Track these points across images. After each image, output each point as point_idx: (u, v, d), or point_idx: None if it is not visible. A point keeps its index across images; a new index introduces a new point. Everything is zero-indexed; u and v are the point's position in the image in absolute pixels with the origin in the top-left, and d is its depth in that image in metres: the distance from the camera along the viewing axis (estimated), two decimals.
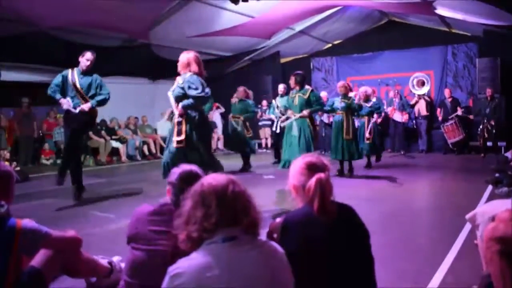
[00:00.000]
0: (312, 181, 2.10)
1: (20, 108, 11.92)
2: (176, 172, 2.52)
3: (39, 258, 2.51)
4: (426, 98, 12.77)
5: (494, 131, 11.28)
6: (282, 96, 9.87)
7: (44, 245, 2.48)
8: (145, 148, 13.04)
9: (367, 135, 9.54)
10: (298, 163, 2.22)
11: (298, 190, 2.19)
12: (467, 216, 3.09)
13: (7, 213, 2.38)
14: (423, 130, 12.74)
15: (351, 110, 8.54)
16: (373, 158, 9.96)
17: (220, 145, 15.18)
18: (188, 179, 2.35)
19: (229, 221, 1.74)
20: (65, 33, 10.01)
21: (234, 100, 10.11)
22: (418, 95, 12.69)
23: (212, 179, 1.81)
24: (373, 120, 9.79)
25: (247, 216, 1.77)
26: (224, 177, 1.83)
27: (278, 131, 8.89)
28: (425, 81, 12.65)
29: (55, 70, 12.17)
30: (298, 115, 7.15)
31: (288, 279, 1.80)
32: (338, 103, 8.58)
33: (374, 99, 10.21)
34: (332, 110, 8.72)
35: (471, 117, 12.10)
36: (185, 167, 2.54)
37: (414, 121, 12.98)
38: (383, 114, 11.46)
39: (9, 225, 2.32)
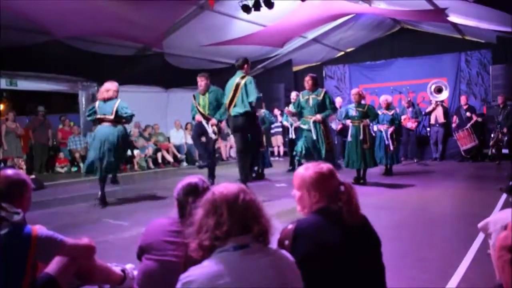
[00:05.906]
0: (343, 187, 2.15)
1: (36, 116, 12.09)
2: (179, 185, 2.55)
3: (53, 265, 2.54)
4: (444, 105, 12.63)
5: (505, 138, 11.11)
6: (294, 104, 9.84)
7: (59, 252, 2.52)
8: (159, 155, 13.10)
9: (391, 146, 9.48)
10: (308, 172, 2.22)
11: (306, 199, 2.19)
12: (480, 225, 3.05)
13: (23, 220, 2.42)
14: (440, 138, 12.42)
15: (368, 117, 8.44)
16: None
17: (233, 153, 15.19)
18: (190, 191, 2.41)
19: (240, 229, 1.76)
20: (80, 42, 10.16)
21: None
22: (436, 101, 12.49)
23: (223, 188, 1.84)
24: (391, 129, 9.66)
25: (258, 224, 1.79)
26: (235, 186, 1.86)
27: (293, 137, 8.85)
28: (443, 87, 12.46)
29: (71, 80, 12.44)
30: (312, 118, 7.06)
31: (299, 287, 1.81)
32: (353, 111, 8.45)
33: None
34: (348, 118, 8.55)
35: (480, 119, 11.86)
36: (187, 180, 2.57)
37: (428, 129, 12.82)
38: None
39: (25, 233, 2.35)
